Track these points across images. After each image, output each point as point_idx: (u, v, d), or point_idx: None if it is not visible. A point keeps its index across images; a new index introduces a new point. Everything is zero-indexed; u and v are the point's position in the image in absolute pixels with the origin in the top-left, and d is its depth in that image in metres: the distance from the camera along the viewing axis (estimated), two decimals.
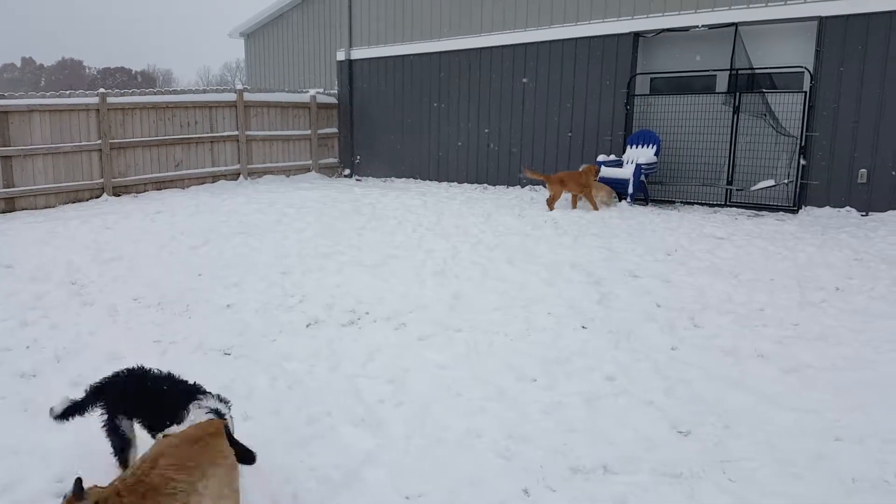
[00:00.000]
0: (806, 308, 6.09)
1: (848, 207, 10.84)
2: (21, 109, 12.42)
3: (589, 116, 13.45)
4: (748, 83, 11.60)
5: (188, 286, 7.22)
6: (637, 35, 12.74)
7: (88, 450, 3.99)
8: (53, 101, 12.93)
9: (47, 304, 6.72)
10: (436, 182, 16.06)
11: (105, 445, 3.72)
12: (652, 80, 13.01)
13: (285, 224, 10.42)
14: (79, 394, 4.71)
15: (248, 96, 15.92)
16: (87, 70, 69.50)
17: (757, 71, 11.50)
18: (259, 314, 6.39)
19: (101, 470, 3.73)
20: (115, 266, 8.08)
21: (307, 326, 6.09)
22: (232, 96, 15.68)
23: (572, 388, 4.60)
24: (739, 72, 11.54)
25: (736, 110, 11.65)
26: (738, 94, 11.58)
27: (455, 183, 15.75)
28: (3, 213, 12.18)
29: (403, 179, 16.70)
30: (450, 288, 7.04)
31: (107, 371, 5.02)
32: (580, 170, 11.62)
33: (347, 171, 17.79)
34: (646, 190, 12.25)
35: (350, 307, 6.53)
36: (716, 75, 12.19)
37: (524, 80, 14.36)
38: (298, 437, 4.09)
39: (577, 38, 13.45)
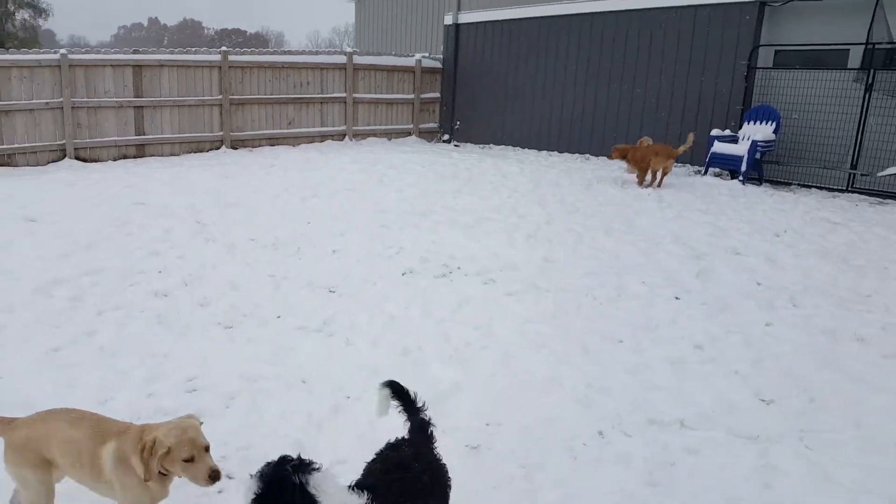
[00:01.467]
0: None
1: None
2: (152, 64, 13.37)
3: (705, 88, 12.98)
4: (885, 59, 10.83)
5: (299, 232, 7.72)
6: (763, 4, 12.14)
7: (208, 359, 4.51)
8: (181, 58, 13.84)
9: (174, 239, 7.38)
10: (535, 151, 16.01)
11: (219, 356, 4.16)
12: (776, 52, 12.38)
13: (386, 183, 10.81)
14: (203, 313, 5.36)
15: (356, 59, 16.38)
16: (206, 30, 73.36)
17: None
18: (360, 261, 6.78)
19: (220, 375, 4.24)
20: (233, 210, 8.71)
21: (403, 275, 6.42)
22: (342, 59, 16.19)
23: (658, 352, 4.68)
24: (877, 46, 10.79)
25: (869, 88, 10.90)
26: (872, 70, 10.84)
27: (555, 152, 15.66)
28: (135, 157, 13.25)
29: (502, 147, 16.75)
30: (541, 251, 7.17)
31: (230, 297, 5.64)
32: (641, 144, 11.37)
33: (446, 137, 18.02)
34: (761, 169, 11.76)
35: (443, 261, 6.80)
36: (849, 49, 11.42)
37: (636, 48, 14.03)
38: (392, 364, 4.50)
39: (696, 6, 12.95)
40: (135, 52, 13.62)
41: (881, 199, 10.65)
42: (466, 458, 3.48)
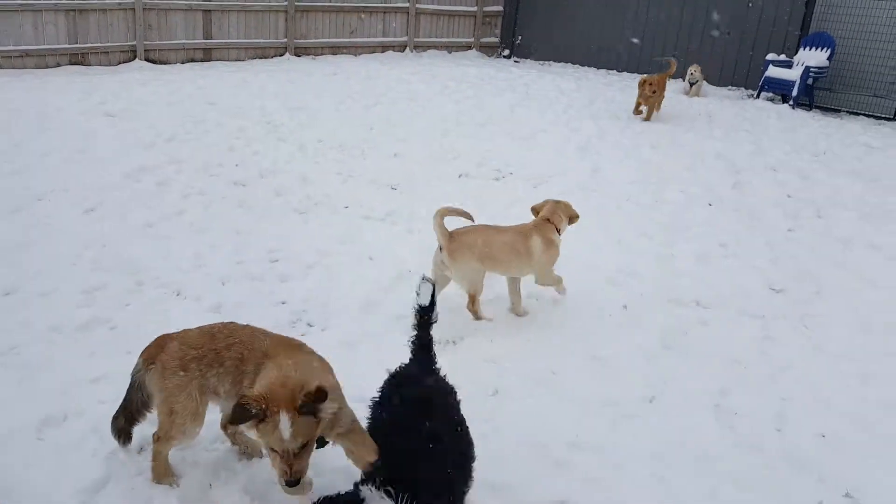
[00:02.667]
0: None
1: None
2: None
3: (766, 11, 12.85)
4: None
5: (362, 137, 8.30)
6: None
7: (286, 236, 5.23)
8: None
9: (248, 136, 8.04)
10: (594, 69, 16.04)
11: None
12: None
13: (446, 95, 11.22)
14: (279, 200, 6.04)
15: None
16: None
17: None
18: (420, 164, 7.37)
19: (298, 249, 4.96)
20: (300, 114, 9.30)
21: (459, 177, 7.01)
22: None
23: (686, 247, 5.25)
24: None
25: None
26: None
27: (614, 71, 15.69)
28: (202, 61, 13.81)
29: (562, 64, 16.79)
30: (590, 161, 7.64)
31: (303, 189, 6.31)
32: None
33: (507, 52, 18.09)
34: (811, 95, 11.79)
35: (497, 167, 7.35)
36: None
37: None
38: None
39: None
40: None
41: None
42: (510, 319, 4.15)
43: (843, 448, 3.10)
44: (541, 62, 17.14)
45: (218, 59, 14.07)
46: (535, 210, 4.38)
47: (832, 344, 3.89)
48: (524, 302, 4.29)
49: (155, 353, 2.64)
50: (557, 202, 4.34)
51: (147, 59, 13.10)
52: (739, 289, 4.51)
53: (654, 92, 9.77)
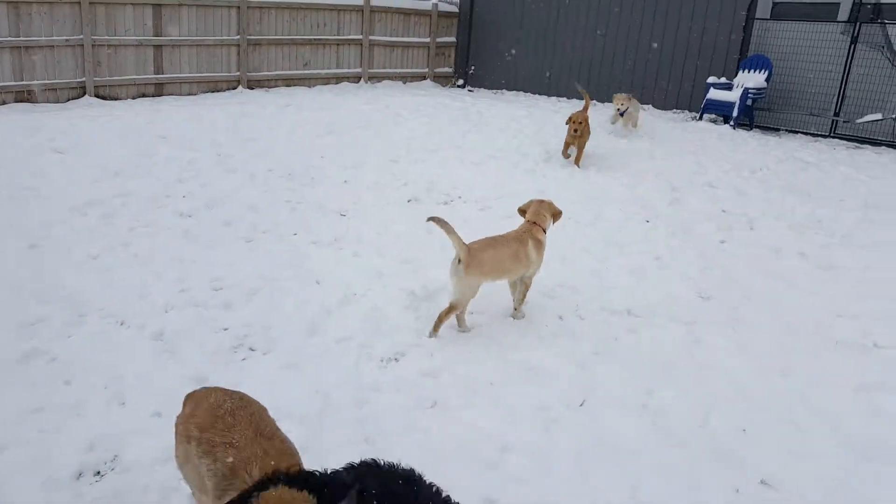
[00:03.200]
0: (863, 224, 6.52)
1: None
2: (172, 3, 13.80)
3: (706, 37, 13.40)
4: (872, 13, 11.25)
5: (313, 164, 8.40)
6: None
7: (231, 264, 5.28)
8: None
9: (197, 168, 8.06)
10: (545, 97, 16.48)
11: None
12: (774, 4, 12.76)
13: (399, 123, 11.41)
14: (226, 230, 6.08)
15: (373, 2, 16.72)
16: None
17: (883, 1, 11.13)
18: (370, 190, 7.49)
19: (243, 276, 5.01)
20: (251, 145, 9.36)
21: (408, 202, 7.15)
22: (359, 1, 16.55)
23: (622, 262, 5.45)
24: (863, 1, 11.20)
25: (854, 41, 11.38)
26: (858, 24, 11.28)
27: (564, 98, 16.12)
28: (153, 96, 13.81)
29: (514, 92, 17.20)
30: (537, 184, 7.85)
31: (250, 217, 6.36)
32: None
33: (461, 82, 18.46)
34: (752, 115, 12.29)
35: (446, 192, 7.51)
36: (839, 3, 11.85)
37: None
38: (395, 269, 5.32)
39: None
40: None
41: (857, 145, 11.23)
42: (456, 337, 4.27)
43: (762, 439, 3.26)
44: (494, 91, 17.53)
45: (170, 94, 14.08)
46: (521, 211, 4.70)
47: (756, 344, 4.08)
48: (469, 319, 4.43)
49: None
50: (541, 202, 4.67)
51: (97, 95, 13.05)
52: (670, 297, 4.71)
53: (576, 132, 8.59)
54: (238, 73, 14.93)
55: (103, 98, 13.04)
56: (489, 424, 3.33)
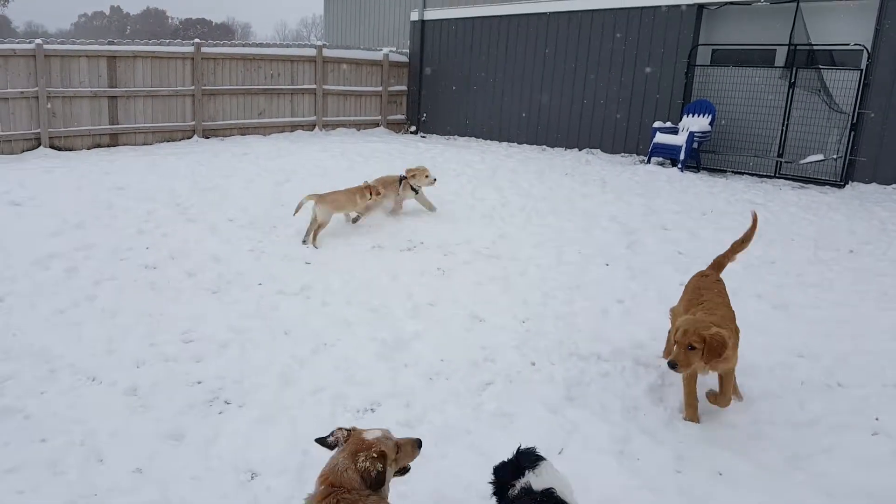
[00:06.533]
0: (815, 264, 6.83)
1: (895, 185, 11.19)
2: (127, 55, 13.84)
3: (650, 84, 14.00)
4: (806, 59, 11.96)
5: (274, 213, 8.42)
6: (701, 7, 13.17)
7: (199, 316, 5.25)
8: (154, 49, 14.33)
9: (157, 219, 8.00)
10: (496, 142, 16.87)
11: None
12: (713, 51, 13.44)
13: (356, 170, 11.48)
14: (191, 281, 6.04)
15: (326, 52, 17.02)
16: (170, 20, 72.29)
17: (815, 47, 11.85)
18: (333, 237, 7.54)
19: (212, 328, 4.98)
20: (210, 194, 9.33)
21: (372, 248, 7.21)
22: (312, 52, 16.81)
23: (586, 305, 5.60)
24: (798, 47, 11.91)
25: (792, 85, 12.04)
26: (794, 68, 11.97)
27: (515, 144, 16.53)
28: (108, 146, 13.70)
29: (466, 138, 17.56)
30: (495, 229, 8.02)
31: (214, 268, 6.34)
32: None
33: (413, 128, 18.78)
34: (698, 157, 12.80)
35: (407, 237, 7.61)
36: (775, 49, 12.56)
37: (587, 47, 14.96)
38: (364, 318, 5.35)
39: (642, 7, 13.94)
40: (110, 43, 14.08)
41: (802, 184, 11.78)
42: (427, 384, 4.31)
43: (740, 483, 3.37)
44: (446, 137, 17.87)
45: (125, 144, 14.00)
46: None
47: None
48: (430, 365, 4.47)
49: None
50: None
51: (52, 147, 12.91)
52: (635, 341, 4.85)
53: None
54: (193, 123, 14.95)
55: (58, 149, 12.91)
56: (466, 472, 3.37)
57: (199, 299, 5.74)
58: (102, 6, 75.78)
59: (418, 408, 4.03)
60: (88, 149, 13.38)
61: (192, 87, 14.82)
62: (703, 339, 3.53)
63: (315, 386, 4.30)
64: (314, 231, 7.37)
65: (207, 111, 15.19)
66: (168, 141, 14.61)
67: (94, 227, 7.49)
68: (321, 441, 2.57)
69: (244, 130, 15.81)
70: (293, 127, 16.69)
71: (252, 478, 3.41)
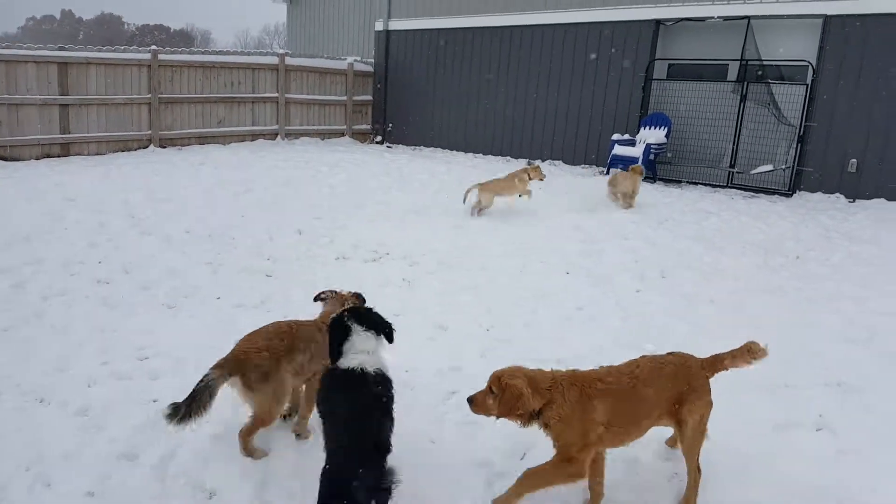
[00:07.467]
0: (763, 270, 7.05)
1: (838, 194, 11.61)
2: (79, 62, 13.47)
3: (608, 97, 14.26)
4: (756, 73, 12.34)
5: (233, 224, 8.29)
6: (658, 22, 13.48)
7: (155, 332, 5.13)
8: (109, 56, 13.99)
9: (110, 232, 7.80)
10: (462, 153, 16.95)
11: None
12: (670, 66, 13.76)
13: (320, 180, 11.43)
14: (146, 295, 5.90)
15: (289, 61, 16.88)
16: (126, 26, 70.57)
17: (765, 62, 12.24)
18: (295, 248, 7.46)
19: (168, 344, 4.87)
20: (166, 206, 9.15)
21: (336, 259, 7.17)
22: (274, 59, 16.66)
23: (549, 312, 5.66)
24: (749, 62, 12.29)
25: (743, 98, 12.41)
26: (745, 83, 12.33)
27: (480, 154, 16.64)
28: (59, 156, 13.29)
29: (431, 149, 17.60)
30: (464, 238, 8.06)
31: (170, 282, 6.20)
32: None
33: (379, 138, 18.74)
34: (654, 168, 13.07)
35: (373, 248, 7.57)
36: (728, 64, 12.92)
37: (549, 59, 15.17)
38: None
39: (602, 22, 14.21)
40: (60, 48, 13.70)
41: (753, 194, 12.14)
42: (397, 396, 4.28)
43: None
44: (412, 147, 17.88)
45: (77, 154, 13.61)
46: None
47: None
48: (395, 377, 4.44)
49: None
50: None
51: None
52: (595, 346, 4.91)
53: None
54: (149, 132, 14.65)
55: (5, 159, 12.49)
56: (433, 483, 3.37)
57: (155, 314, 5.59)
58: (53, 10, 73.57)
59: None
60: (38, 158, 12.96)
61: (149, 96, 14.54)
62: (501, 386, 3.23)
63: None
64: (479, 210, 9.26)
65: (164, 120, 14.91)
66: (123, 151, 14.28)
67: (44, 241, 7.27)
68: None
69: (203, 139, 15.56)
70: (254, 136, 16.49)
71: (210, 497, 3.34)
